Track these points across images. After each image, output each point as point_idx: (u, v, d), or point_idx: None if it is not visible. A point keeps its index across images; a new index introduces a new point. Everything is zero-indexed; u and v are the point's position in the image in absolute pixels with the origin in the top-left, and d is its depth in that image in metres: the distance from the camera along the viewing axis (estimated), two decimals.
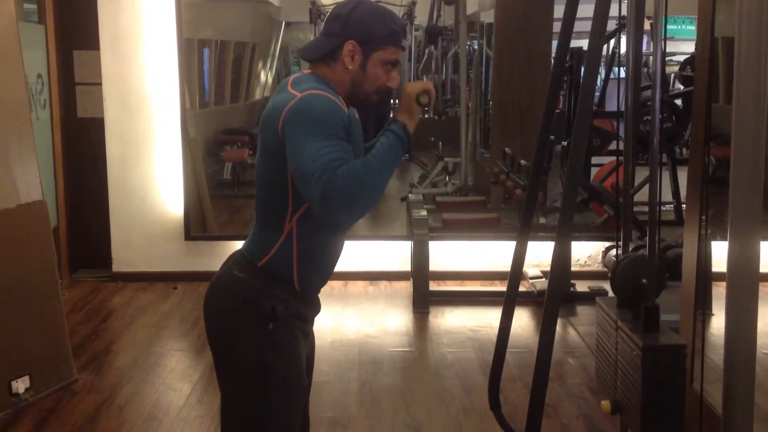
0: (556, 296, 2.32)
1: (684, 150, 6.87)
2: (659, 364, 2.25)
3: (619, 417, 2.63)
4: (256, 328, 2.13)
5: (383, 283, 5.94)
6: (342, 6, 2.14)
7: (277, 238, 2.13)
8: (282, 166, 2.05)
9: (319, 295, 2.28)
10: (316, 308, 2.29)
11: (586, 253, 5.99)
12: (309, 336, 2.31)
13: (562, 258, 2.37)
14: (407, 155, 8.06)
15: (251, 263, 2.16)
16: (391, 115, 2.13)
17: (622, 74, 7.63)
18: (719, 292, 4.21)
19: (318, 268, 2.16)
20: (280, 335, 2.14)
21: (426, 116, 7.60)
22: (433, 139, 8.00)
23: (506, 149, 6.41)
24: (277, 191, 2.11)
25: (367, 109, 2.24)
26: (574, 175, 2.32)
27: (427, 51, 8.50)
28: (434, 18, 8.43)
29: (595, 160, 6.39)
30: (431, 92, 2.14)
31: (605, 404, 2.56)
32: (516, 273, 2.88)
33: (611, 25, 3.01)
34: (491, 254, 5.94)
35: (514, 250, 2.87)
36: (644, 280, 2.41)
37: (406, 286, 5.80)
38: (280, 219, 2.12)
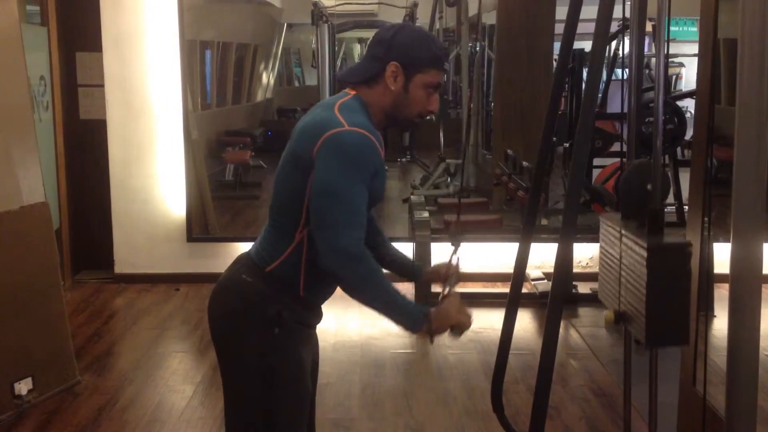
0: (559, 298, 2.32)
1: (685, 151, 6.87)
2: (664, 263, 2.22)
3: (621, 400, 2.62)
4: (261, 332, 2.13)
5: None
6: (385, 30, 2.16)
7: (288, 245, 2.14)
8: (304, 180, 2.06)
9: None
10: (318, 316, 2.30)
11: (588, 254, 5.99)
12: (313, 340, 2.32)
13: (564, 260, 2.36)
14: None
15: (259, 268, 2.16)
16: (432, 308, 2.16)
17: (624, 76, 7.64)
18: (720, 293, 4.22)
19: (324, 278, 2.16)
20: (284, 340, 2.14)
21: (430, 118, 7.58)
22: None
23: (508, 151, 6.42)
24: (293, 201, 2.11)
25: (405, 131, 2.29)
26: (577, 177, 2.32)
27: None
28: (436, 20, 8.44)
29: (597, 161, 6.39)
30: (465, 329, 2.19)
31: (608, 315, 2.53)
32: (519, 275, 2.88)
33: (613, 27, 3.01)
34: (493, 256, 5.94)
35: (517, 252, 2.87)
36: (649, 186, 2.38)
37: (408, 288, 5.79)
38: (293, 228, 2.13)
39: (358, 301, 2.07)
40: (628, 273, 2.39)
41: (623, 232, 2.42)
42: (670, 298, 2.24)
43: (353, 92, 2.17)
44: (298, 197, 2.09)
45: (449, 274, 2.38)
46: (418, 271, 2.47)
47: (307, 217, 2.09)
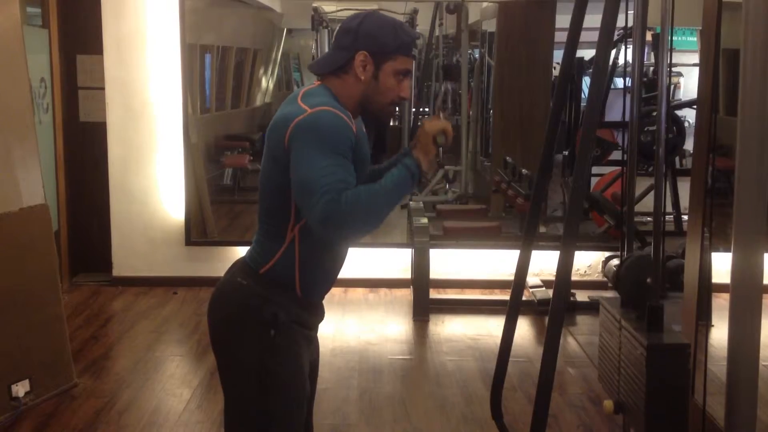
0: (561, 308, 2.33)
1: (683, 161, 6.89)
2: (663, 363, 2.25)
3: (621, 420, 2.63)
4: (258, 335, 2.13)
5: (383, 291, 5.93)
6: (351, 19, 2.15)
7: (279, 246, 2.14)
8: (286, 176, 2.06)
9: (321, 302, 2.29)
10: (319, 315, 2.29)
11: (587, 262, 5.99)
12: (313, 342, 2.31)
13: (566, 270, 2.36)
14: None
15: (253, 270, 2.17)
16: (406, 147, 2.12)
17: (621, 85, 7.64)
18: (718, 303, 4.23)
19: (320, 275, 2.17)
20: (281, 342, 2.14)
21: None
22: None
23: (507, 158, 6.43)
24: (280, 200, 2.11)
25: (380, 121, 2.26)
26: (579, 186, 2.33)
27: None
28: (436, 26, 8.45)
29: (595, 169, 6.40)
30: (448, 133, 2.14)
31: (608, 404, 2.55)
32: (519, 282, 2.88)
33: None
34: (492, 263, 5.94)
35: (517, 260, 2.87)
36: (648, 280, 2.40)
37: (406, 294, 5.80)
38: (283, 227, 2.13)
39: (372, 229, 2.00)
40: (627, 366, 2.43)
41: (623, 323, 2.46)
42: (670, 396, 2.27)
43: (318, 82, 2.17)
44: (284, 195, 2.09)
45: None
46: (406, 150, 2.27)
47: (297, 213, 2.09)
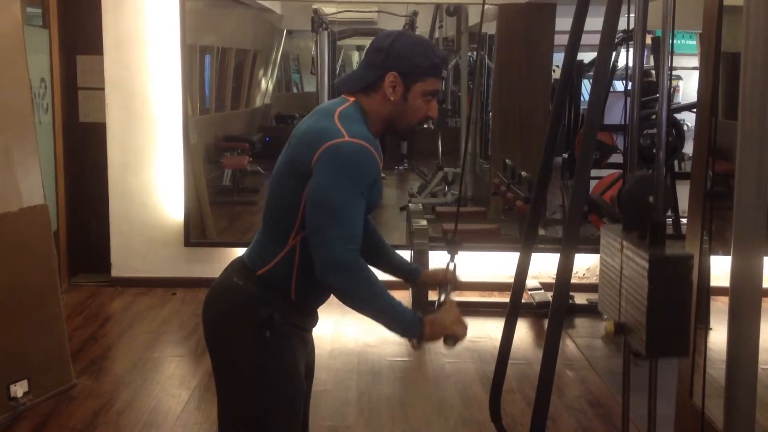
0: (561, 310, 2.32)
1: (683, 164, 6.89)
2: (666, 275, 2.22)
3: (620, 420, 2.62)
4: (253, 335, 2.14)
5: None
6: (383, 38, 2.14)
7: (280, 250, 2.14)
8: (299, 188, 2.06)
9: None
10: (313, 318, 2.30)
11: (585, 265, 5.99)
12: (308, 344, 2.32)
13: (566, 273, 2.36)
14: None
15: (251, 271, 2.17)
16: (429, 314, 2.16)
17: (620, 87, 7.65)
18: (717, 306, 4.23)
19: (317, 285, 2.16)
20: (277, 342, 2.15)
21: (426, 126, 7.63)
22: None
23: (507, 160, 6.43)
24: (288, 207, 2.12)
25: (405, 139, 2.28)
26: (580, 189, 2.32)
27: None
28: (436, 29, 8.46)
29: (594, 172, 6.40)
30: (460, 341, 2.17)
31: (609, 325, 2.51)
32: (519, 285, 2.88)
33: None
34: (491, 265, 5.94)
35: (517, 263, 2.87)
36: (651, 198, 2.38)
37: (404, 296, 5.79)
38: (285, 234, 2.14)
39: (353, 309, 2.07)
40: (629, 284, 2.39)
41: (624, 243, 2.43)
42: (671, 309, 2.23)
43: (352, 98, 2.16)
44: (293, 204, 2.09)
45: (446, 280, 2.37)
46: (415, 273, 2.45)
47: (301, 224, 2.09)
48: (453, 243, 2.41)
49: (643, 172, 2.52)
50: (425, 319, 2.11)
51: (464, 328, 2.17)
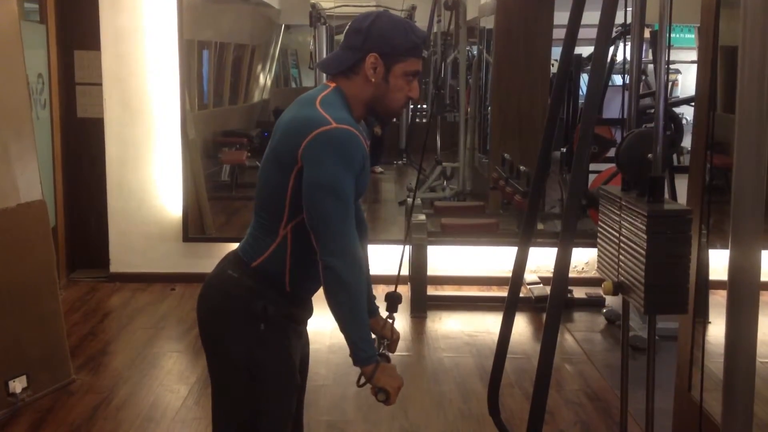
0: (559, 304, 2.32)
1: (681, 158, 6.88)
2: (664, 230, 2.20)
3: (618, 417, 2.63)
4: (247, 327, 2.14)
5: (381, 287, 5.91)
6: (362, 19, 2.13)
7: (272, 241, 2.14)
8: (286, 177, 2.06)
9: (316, 298, 2.28)
10: (308, 311, 2.30)
11: (584, 259, 6.00)
12: (302, 337, 2.32)
13: (564, 266, 2.36)
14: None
15: (245, 263, 2.18)
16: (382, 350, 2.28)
17: (619, 82, 7.64)
18: (715, 300, 4.23)
19: (310, 274, 2.15)
20: (271, 335, 2.15)
21: (428, 121, 7.62)
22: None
23: (505, 155, 6.43)
24: (276, 198, 2.11)
25: (387, 122, 2.27)
26: (577, 183, 2.32)
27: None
28: (434, 23, 8.45)
29: (593, 166, 6.39)
30: (389, 398, 2.16)
31: (607, 284, 2.49)
32: (517, 279, 2.88)
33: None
34: (489, 259, 5.94)
35: (515, 257, 2.87)
36: (649, 155, 2.37)
37: (403, 291, 5.79)
38: (276, 224, 2.13)
39: (335, 302, 2.04)
40: (627, 243, 2.37)
41: (623, 202, 2.41)
42: (670, 264, 2.21)
43: (333, 84, 2.14)
44: (281, 194, 2.09)
45: (383, 335, 2.37)
46: (372, 310, 2.40)
47: (290, 213, 2.09)
48: (393, 300, 2.38)
49: (641, 129, 2.51)
50: (381, 362, 2.12)
51: (398, 389, 2.16)
